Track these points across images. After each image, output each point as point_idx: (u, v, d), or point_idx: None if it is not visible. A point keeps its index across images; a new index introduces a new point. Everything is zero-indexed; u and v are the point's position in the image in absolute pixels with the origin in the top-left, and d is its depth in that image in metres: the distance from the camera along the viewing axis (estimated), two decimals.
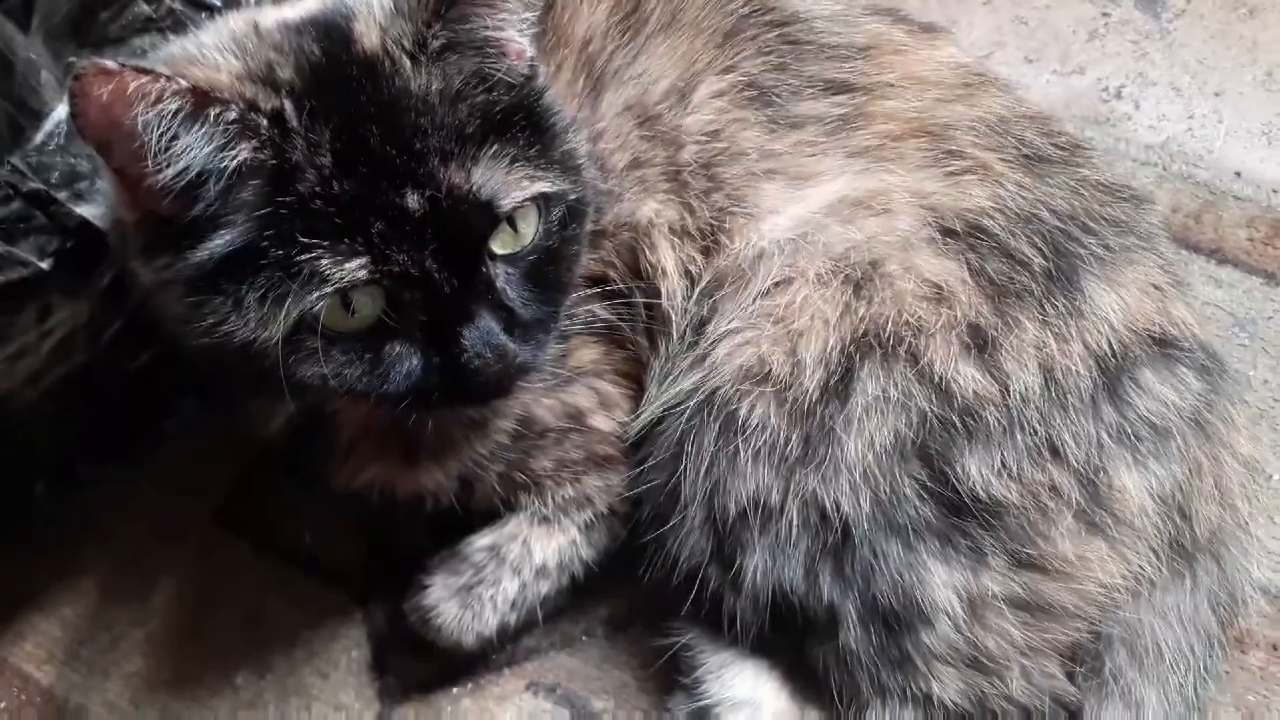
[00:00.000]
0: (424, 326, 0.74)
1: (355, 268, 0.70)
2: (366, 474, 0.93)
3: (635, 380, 0.95)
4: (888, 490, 0.82)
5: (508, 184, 0.73)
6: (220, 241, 0.70)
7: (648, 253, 0.89)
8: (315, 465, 0.95)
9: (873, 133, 0.90)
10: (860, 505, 0.82)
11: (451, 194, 0.71)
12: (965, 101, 0.91)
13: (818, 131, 0.90)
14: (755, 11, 0.93)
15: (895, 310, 0.83)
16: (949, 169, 0.88)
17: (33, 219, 0.80)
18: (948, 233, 0.86)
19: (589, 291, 0.89)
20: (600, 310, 0.90)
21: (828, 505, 0.83)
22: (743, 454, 0.84)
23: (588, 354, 0.93)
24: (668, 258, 0.89)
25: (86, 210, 0.82)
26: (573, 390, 0.93)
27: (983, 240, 0.84)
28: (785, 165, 0.89)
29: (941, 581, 0.80)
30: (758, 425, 0.84)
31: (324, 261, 0.69)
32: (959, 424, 0.81)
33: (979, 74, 0.94)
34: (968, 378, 0.81)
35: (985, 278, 0.83)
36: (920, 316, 0.83)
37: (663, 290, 0.90)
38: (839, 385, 0.83)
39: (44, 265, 0.82)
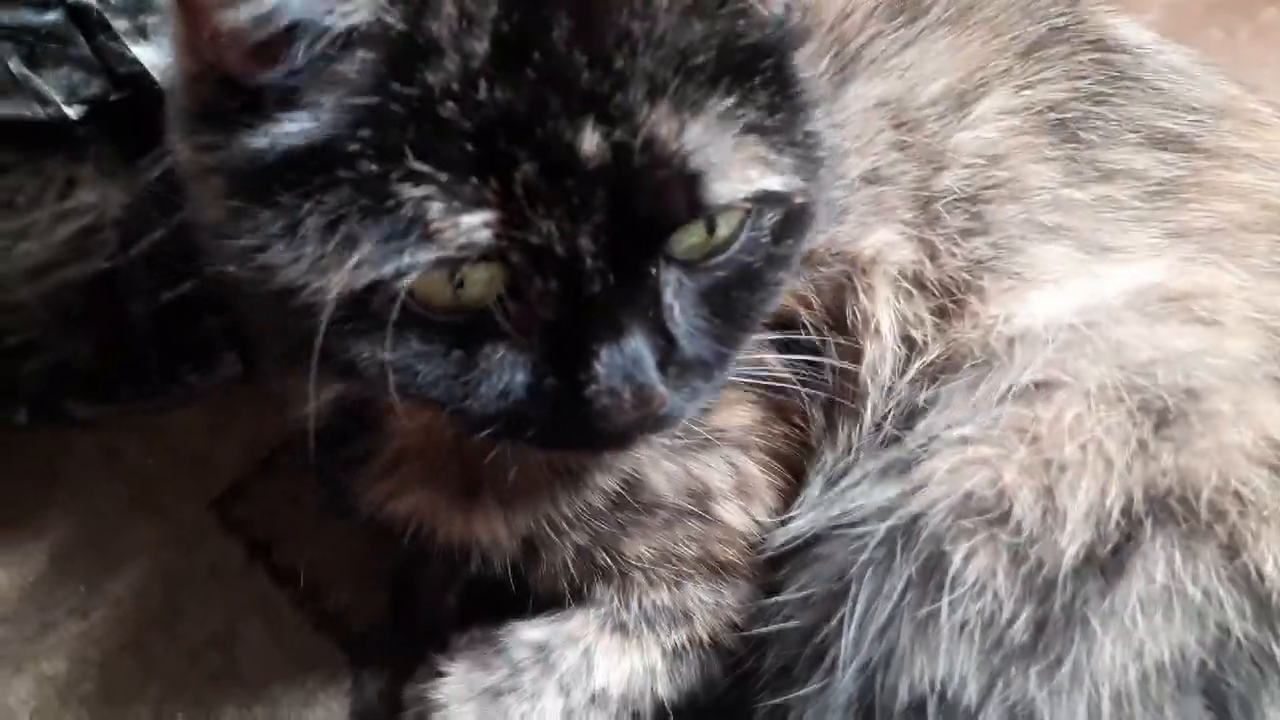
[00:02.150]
0: (547, 332, 0.50)
1: (475, 225, 0.46)
2: (406, 501, 0.68)
3: (794, 469, 0.69)
4: None
5: (733, 162, 0.49)
6: (292, 128, 0.47)
7: (860, 297, 0.64)
8: (345, 475, 0.71)
9: (1210, 210, 0.65)
10: None
11: (650, 147, 0.47)
12: None
13: (1133, 192, 0.65)
14: (1074, 25, 0.70)
15: (1217, 470, 0.57)
16: None
17: (72, 43, 0.58)
18: None
19: (765, 336, 0.63)
20: (772, 362, 0.65)
21: None
22: (943, 619, 0.57)
23: (739, 417, 0.67)
24: (886, 310, 0.64)
25: (145, 54, 0.60)
26: (706, 460, 0.67)
27: None
28: (1081, 224, 0.64)
29: None
30: (975, 585, 0.57)
31: (434, 205, 0.45)
32: (1279, 658, 0.54)
33: None
34: None
35: None
36: (1255, 489, 0.57)
37: (867, 354, 0.64)
38: (1110, 559, 0.57)
39: (70, 112, 0.60)
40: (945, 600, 0.56)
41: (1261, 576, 0.55)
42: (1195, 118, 0.68)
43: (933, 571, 0.57)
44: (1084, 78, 0.68)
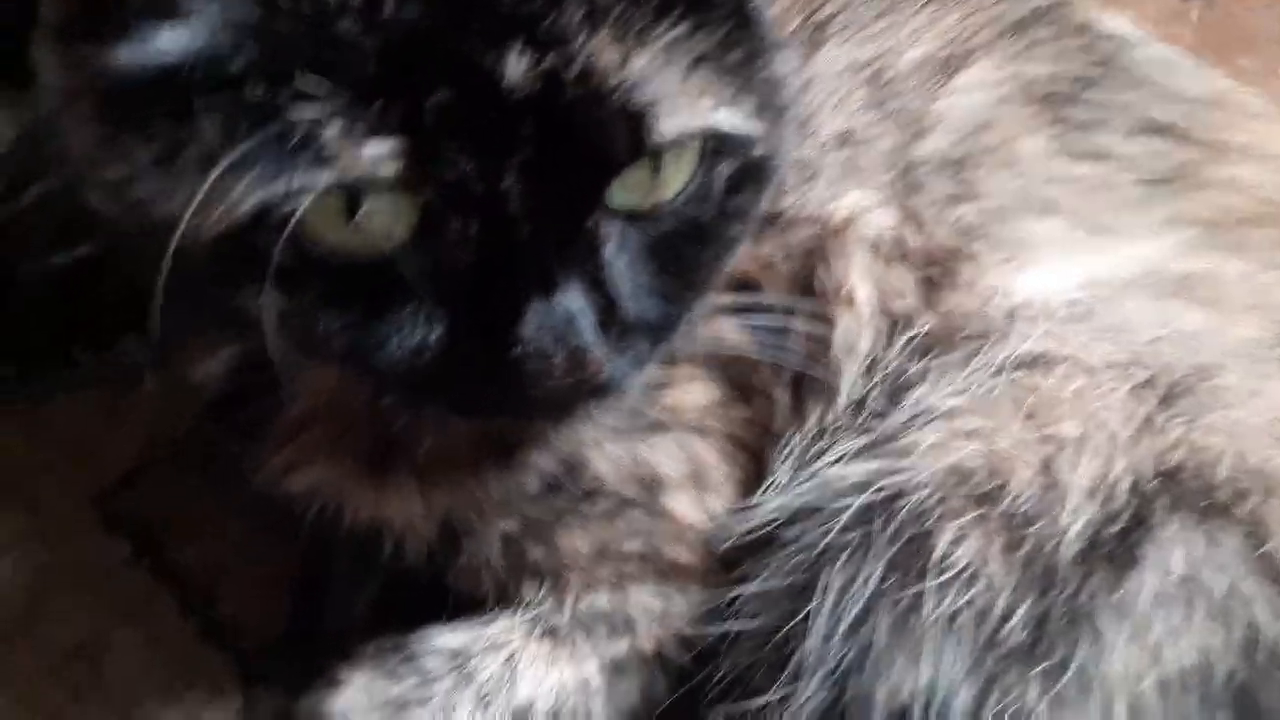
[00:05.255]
0: (466, 282, 0.43)
1: (380, 155, 0.39)
2: (308, 473, 0.59)
3: (753, 457, 0.61)
4: None
5: (683, 93, 0.42)
6: (166, 43, 0.40)
7: (832, 263, 0.58)
8: (242, 446, 0.62)
9: (1206, 203, 0.61)
10: None
11: (587, 79, 0.40)
12: None
13: (1128, 176, 0.61)
14: (1057, 9, 0.66)
15: (1233, 446, 0.51)
16: None
17: None
18: None
19: (723, 300, 0.56)
20: (732, 332, 0.58)
21: None
22: (928, 612, 0.49)
23: (695, 396, 0.60)
24: (862, 278, 0.58)
25: None
26: (656, 444, 0.60)
27: None
28: (1077, 201, 0.59)
29: None
30: (965, 571, 0.50)
31: (330, 128, 0.38)
32: None
33: None
34: None
35: None
36: (1278, 468, 0.49)
37: (840, 324, 0.58)
38: (1120, 545, 0.50)
39: None
40: (931, 587, 0.49)
41: None
42: (1186, 108, 0.64)
43: (915, 555, 0.50)
44: (1070, 60, 0.64)
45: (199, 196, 0.39)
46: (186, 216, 0.39)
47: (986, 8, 0.65)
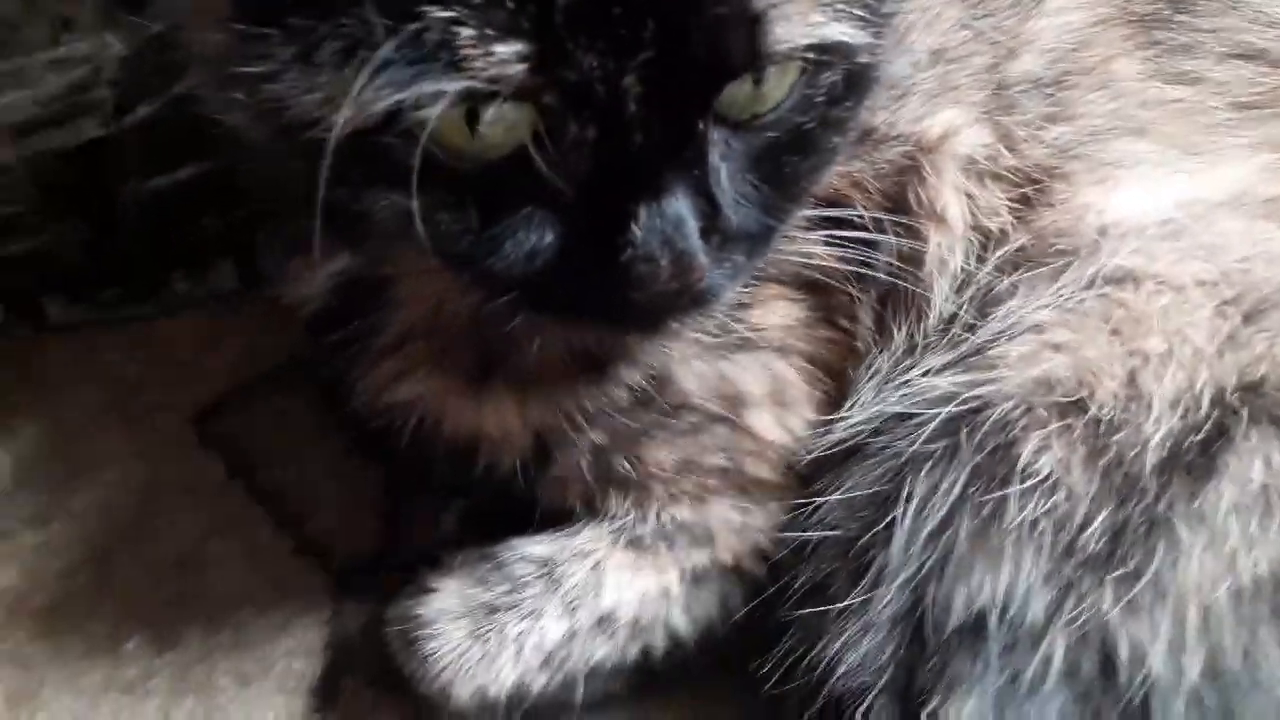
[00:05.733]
0: (583, 185, 0.45)
1: (509, 56, 0.40)
2: (410, 385, 0.62)
3: (836, 376, 0.63)
4: (1239, 656, 0.49)
5: (798, 4, 0.43)
6: None
7: (926, 180, 0.59)
8: (343, 360, 0.64)
9: None
10: (1183, 669, 0.48)
11: None
12: None
13: (1220, 100, 0.62)
14: None
15: None
16: None
17: None
18: None
19: (812, 216, 0.58)
20: (821, 250, 0.59)
21: (1121, 652, 0.49)
22: (1009, 519, 0.51)
23: (779, 314, 0.61)
24: (955, 196, 0.59)
25: None
26: (741, 362, 0.61)
27: None
28: (1169, 125, 0.60)
29: None
30: (1048, 480, 0.51)
31: (464, 30, 0.40)
32: None
33: None
34: None
35: None
36: None
37: (932, 243, 0.59)
38: (1200, 455, 0.51)
39: None
40: (1014, 494, 0.50)
41: None
42: (1277, 33, 0.64)
43: (999, 463, 0.51)
44: None
45: (337, 92, 0.41)
46: (322, 114, 0.41)
47: None
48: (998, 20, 0.61)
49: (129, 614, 0.74)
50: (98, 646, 0.72)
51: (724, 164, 0.46)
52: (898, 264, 0.58)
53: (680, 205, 0.44)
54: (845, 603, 0.54)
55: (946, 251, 0.58)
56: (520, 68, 0.40)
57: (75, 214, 0.76)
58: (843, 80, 0.48)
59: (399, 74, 0.40)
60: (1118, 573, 0.50)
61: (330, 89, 0.41)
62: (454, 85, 0.40)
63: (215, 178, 0.77)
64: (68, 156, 0.71)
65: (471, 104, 0.41)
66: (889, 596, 0.53)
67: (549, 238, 0.46)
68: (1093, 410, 0.51)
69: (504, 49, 0.40)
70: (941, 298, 0.58)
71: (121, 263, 0.82)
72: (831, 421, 0.60)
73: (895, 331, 0.59)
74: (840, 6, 0.45)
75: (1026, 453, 0.51)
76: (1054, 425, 0.51)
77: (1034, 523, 0.50)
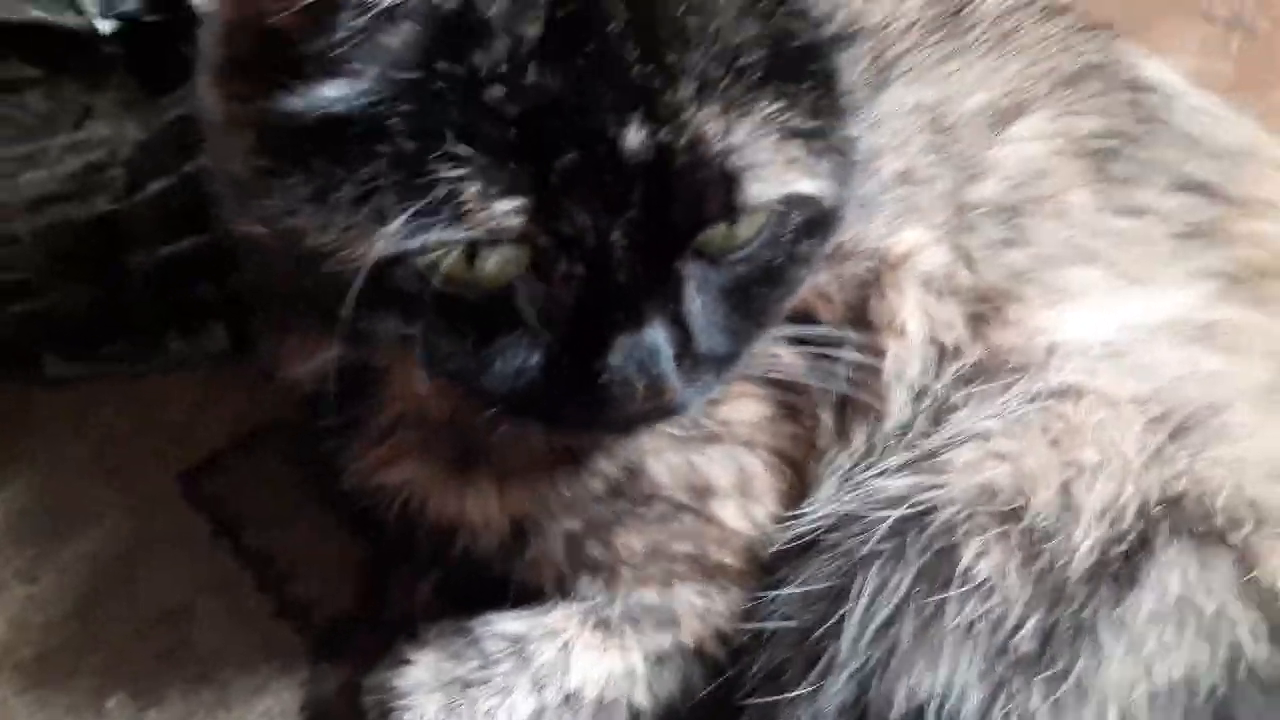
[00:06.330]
0: (567, 317, 0.49)
1: (508, 210, 0.45)
2: (398, 470, 0.66)
3: (798, 471, 0.66)
4: None
5: (773, 164, 0.48)
6: (332, 94, 0.46)
7: (886, 295, 0.63)
8: (335, 443, 0.68)
9: (1231, 256, 0.66)
10: None
11: (694, 147, 0.46)
12: None
13: (1161, 231, 0.66)
14: (1109, 64, 0.71)
15: (1232, 478, 0.56)
16: None
17: None
18: None
19: (782, 330, 0.62)
20: (787, 356, 0.63)
21: None
22: (949, 618, 0.55)
23: (747, 411, 0.65)
24: (914, 310, 0.63)
25: None
26: (710, 454, 0.65)
27: None
28: (1116, 252, 0.64)
29: None
30: (985, 584, 0.55)
31: (470, 187, 0.44)
32: None
33: None
34: None
35: None
36: (1272, 503, 0.56)
37: (890, 354, 0.63)
38: (1122, 564, 0.55)
39: (102, 25, 0.59)
40: (954, 596, 0.54)
41: (1276, 594, 0.53)
42: (1220, 164, 0.69)
43: (942, 566, 0.55)
44: (1116, 116, 0.69)
45: (350, 233, 0.45)
46: (336, 248, 0.45)
47: (1045, 59, 0.70)
48: (963, 147, 0.66)
49: (113, 669, 0.76)
50: (81, 702, 0.75)
51: (699, 295, 0.51)
52: (857, 372, 0.62)
53: (656, 335, 0.49)
54: (797, 691, 0.57)
55: (904, 363, 0.62)
56: (519, 220, 0.45)
57: (80, 279, 0.79)
58: (809, 221, 0.52)
59: (410, 224, 0.44)
60: (1046, 673, 0.53)
61: (345, 230, 0.46)
62: (459, 235, 0.44)
63: (212, 245, 0.80)
64: (76, 227, 0.75)
65: (473, 249, 0.46)
66: (838, 687, 0.57)
67: (535, 359, 0.50)
68: (1028, 518, 0.55)
69: (505, 204, 0.44)
70: (897, 406, 0.62)
71: (120, 323, 0.85)
72: (794, 516, 0.63)
73: (854, 434, 0.63)
74: (810, 163, 0.49)
75: (967, 557, 0.55)
76: (993, 531, 0.55)
77: (971, 624, 0.54)
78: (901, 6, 0.71)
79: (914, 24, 0.70)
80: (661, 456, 0.64)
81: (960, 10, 0.71)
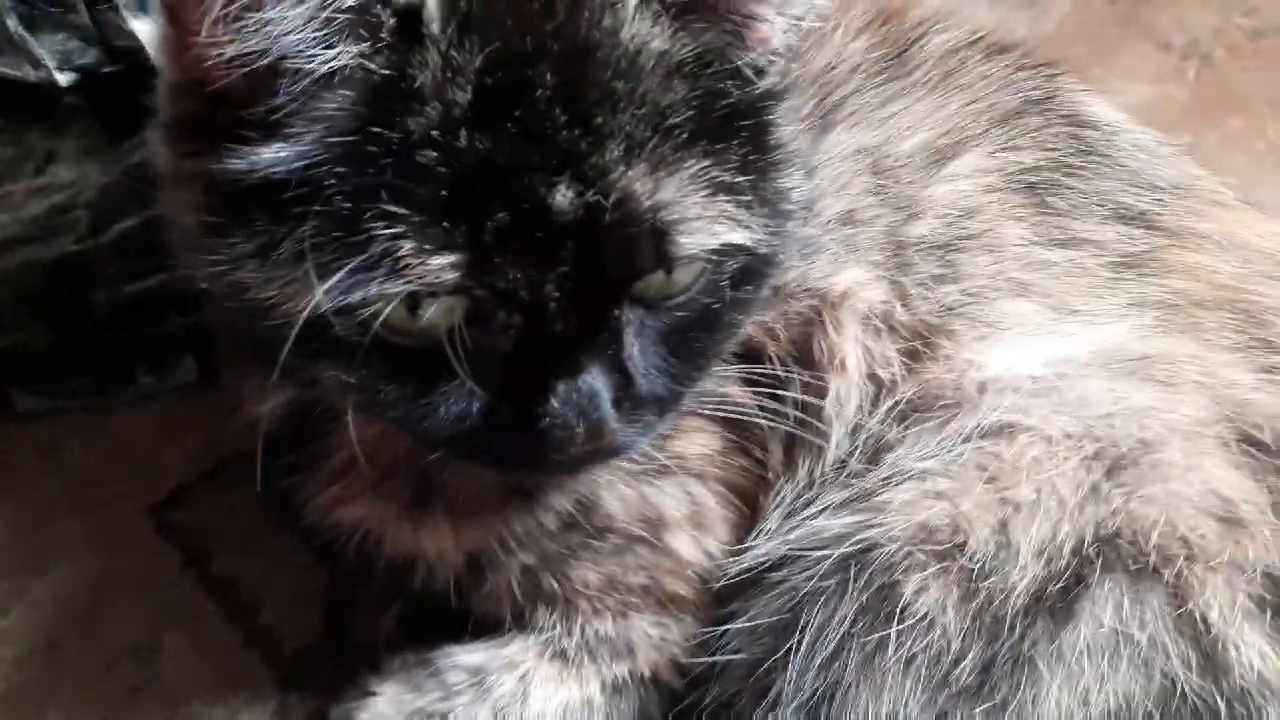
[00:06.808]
0: (506, 364, 0.51)
1: (443, 266, 0.47)
2: (353, 509, 0.67)
3: (749, 503, 0.68)
4: None
5: (700, 219, 0.50)
6: (272, 156, 0.47)
7: (828, 332, 0.65)
8: (293, 480, 0.69)
9: (1166, 286, 0.67)
10: None
11: (622, 205, 0.48)
12: None
13: (1097, 262, 0.67)
14: (1049, 100, 0.72)
15: (1165, 516, 0.58)
16: (1265, 364, 0.64)
17: (72, 9, 0.58)
18: (1250, 442, 0.61)
19: (729, 366, 0.64)
20: (736, 393, 0.65)
21: None
22: (891, 652, 0.56)
23: (698, 445, 0.67)
24: (853, 347, 0.64)
25: (143, 28, 0.61)
26: (662, 487, 0.67)
27: None
28: (1050, 284, 0.66)
29: None
30: (925, 619, 0.56)
31: (405, 244, 0.46)
32: (1224, 714, 0.54)
33: None
34: (1252, 650, 0.55)
35: None
36: (1202, 537, 0.57)
37: (832, 390, 0.64)
38: (1059, 599, 0.56)
39: (61, 78, 0.60)
40: (895, 631, 0.56)
41: (1207, 625, 0.55)
42: (1158, 196, 0.70)
43: (884, 602, 0.57)
44: (1055, 149, 0.70)
45: (291, 288, 0.46)
46: (278, 301, 0.47)
47: (982, 99, 0.72)
48: (902, 187, 0.67)
49: (82, 704, 0.77)
50: None
51: (638, 340, 0.52)
52: (801, 408, 0.64)
53: (595, 380, 0.50)
54: None
55: (844, 398, 0.64)
56: (454, 275, 0.46)
57: (47, 317, 0.80)
58: (744, 269, 0.54)
59: (349, 279, 0.46)
60: (986, 705, 0.55)
61: (285, 285, 0.47)
62: (398, 287, 0.46)
63: (179, 280, 0.81)
64: (43, 268, 0.76)
65: (414, 299, 0.47)
66: (786, 718, 0.58)
67: (476, 404, 0.51)
68: (966, 557, 0.57)
69: (440, 260, 0.46)
70: (836, 441, 0.64)
71: (88, 358, 0.86)
72: (743, 548, 0.65)
73: (799, 466, 0.65)
74: (741, 215, 0.51)
75: (908, 593, 0.57)
76: (932, 569, 0.57)
77: (913, 657, 0.56)
78: (847, 49, 0.72)
79: (858, 67, 0.71)
80: (614, 489, 0.66)
81: (904, 51, 0.73)
